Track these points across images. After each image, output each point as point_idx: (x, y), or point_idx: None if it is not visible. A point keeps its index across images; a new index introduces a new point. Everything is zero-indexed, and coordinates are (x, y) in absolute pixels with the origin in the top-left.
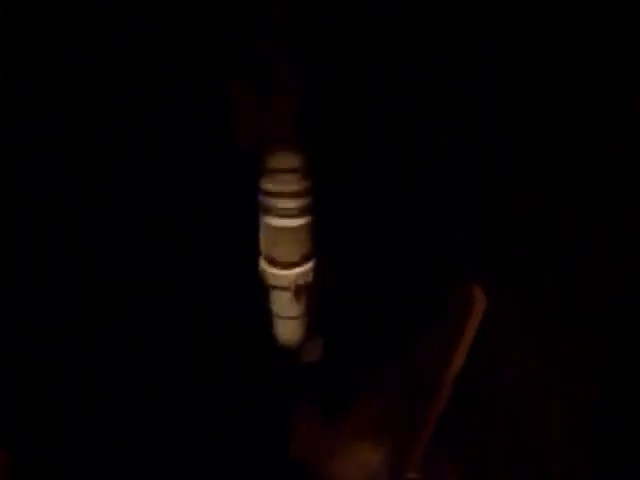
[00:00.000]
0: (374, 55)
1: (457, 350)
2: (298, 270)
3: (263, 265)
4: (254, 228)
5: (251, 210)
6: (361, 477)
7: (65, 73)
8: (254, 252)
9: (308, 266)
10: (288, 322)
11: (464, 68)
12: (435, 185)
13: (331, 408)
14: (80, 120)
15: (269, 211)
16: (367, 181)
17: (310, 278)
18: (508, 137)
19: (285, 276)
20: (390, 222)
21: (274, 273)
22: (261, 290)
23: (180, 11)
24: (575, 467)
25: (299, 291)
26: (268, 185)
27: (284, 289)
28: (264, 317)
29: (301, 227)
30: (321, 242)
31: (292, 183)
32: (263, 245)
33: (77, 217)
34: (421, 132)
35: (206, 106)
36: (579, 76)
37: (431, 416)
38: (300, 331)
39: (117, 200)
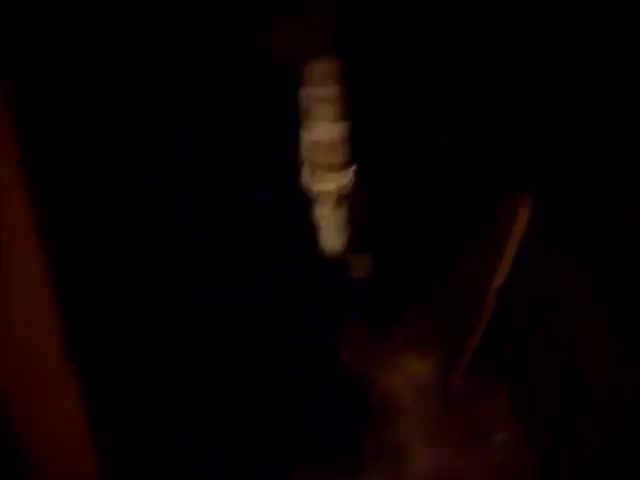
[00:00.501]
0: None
1: (502, 259)
2: (339, 178)
3: (305, 175)
4: None
5: None
6: (409, 387)
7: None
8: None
9: (348, 175)
10: (331, 232)
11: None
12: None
13: (380, 321)
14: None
15: (309, 118)
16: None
17: (351, 187)
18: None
19: (328, 190)
20: (435, 135)
21: (316, 182)
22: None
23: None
24: (613, 376)
25: (340, 200)
26: (309, 91)
27: (326, 198)
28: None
29: (340, 134)
30: (364, 155)
31: (331, 88)
32: (304, 154)
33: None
34: None
35: None
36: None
37: (477, 326)
38: (342, 239)
39: None
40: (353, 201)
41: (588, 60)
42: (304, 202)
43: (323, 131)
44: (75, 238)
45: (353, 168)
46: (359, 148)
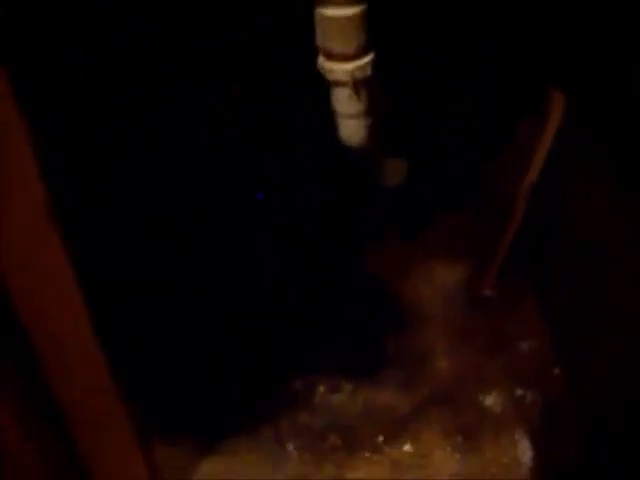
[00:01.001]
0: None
1: (533, 158)
2: (355, 63)
3: (321, 61)
4: None
5: None
6: (437, 295)
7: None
8: None
9: (366, 59)
10: (350, 121)
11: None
12: None
13: (411, 229)
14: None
15: (322, 1)
16: None
17: (369, 72)
18: None
19: (342, 69)
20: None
21: (332, 67)
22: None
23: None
24: None
25: (358, 86)
26: None
27: (343, 84)
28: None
29: (355, 16)
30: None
31: None
32: (319, 39)
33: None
34: None
35: None
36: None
37: (507, 230)
38: (363, 131)
39: None
40: (372, 90)
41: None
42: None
43: (335, 15)
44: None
45: (371, 54)
46: (380, 33)
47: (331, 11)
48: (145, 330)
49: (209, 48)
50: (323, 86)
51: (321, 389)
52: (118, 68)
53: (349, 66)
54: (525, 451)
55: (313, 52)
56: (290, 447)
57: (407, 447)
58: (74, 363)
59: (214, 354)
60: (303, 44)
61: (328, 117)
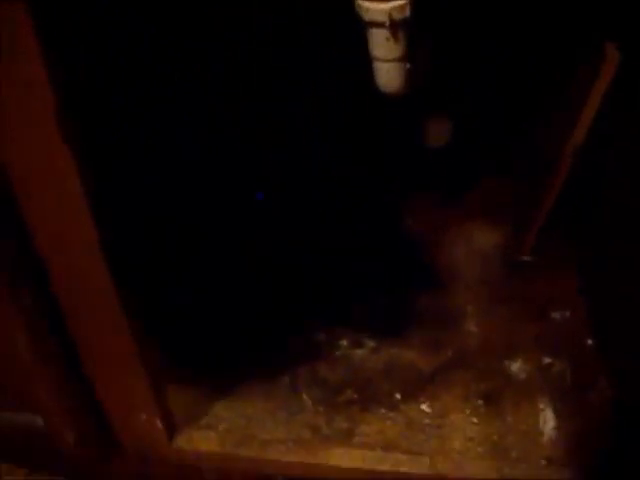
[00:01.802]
0: None
1: (581, 117)
2: (394, 2)
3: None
4: None
5: None
6: (473, 257)
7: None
8: None
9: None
10: (387, 65)
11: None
12: None
13: (452, 190)
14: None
15: None
16: None
17: (408, 13)
18: None
19: (379, 9)
20: None
21: (368, 6)
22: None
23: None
24: None
25: (397, 28)
26: None
27: (380, 25)
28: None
29: None
30: None
31: None
32: None
33: None
34: None
35: None
36: None
37: (548, 195)
38: (402, 76)
39: None
40: (412, 34)
41: None
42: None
43: None
44: None
45: None
46: None
47: None
48: (162, 266)
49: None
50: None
51: (344, 342)
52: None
53: (386, 6)
54: (547, 421)
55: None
56: (305, 397)
57: (424, 407)
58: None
59: (238, 295)
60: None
61: None
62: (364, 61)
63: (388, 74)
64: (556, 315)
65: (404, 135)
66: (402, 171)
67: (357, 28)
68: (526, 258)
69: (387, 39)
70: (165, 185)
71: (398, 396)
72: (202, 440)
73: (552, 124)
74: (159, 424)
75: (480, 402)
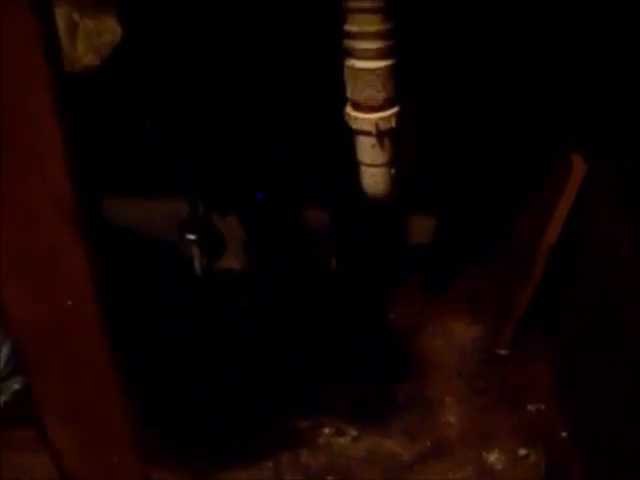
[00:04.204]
0: None
1: (554, 217)
2: (381, 114)
3: (348, 109)
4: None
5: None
6: (452, 350)
7: None
8: None
9: (392, 111)
10: (373, 170)
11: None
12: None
13: (433, 285)
14: None
15: (352, 53)
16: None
17: (393, 124)
18: None
19: (367, 119)
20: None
21: (357, 116)
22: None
23: None
24: None
25: (383, 136)
26: (351, 27)
27: (367, 134)
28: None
29: (383, 69)
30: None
31: (374, 24)
32: (348, 89)
33: None
34: None
35: None
36: None
37: (526, 289)
38: (386, 181)
39: None
40: (399, 141)
41: None
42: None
43: (362, 67)
44: None
45: (397, 107)
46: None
47: (359, 63)
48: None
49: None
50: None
51: (326, 430)
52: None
53: (374, 116)
54: None
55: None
56: None
57: None
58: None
59: (222, 381)
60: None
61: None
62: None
63: (373, 178)
64: (532, 407)
65: (387, 231)
66: (385, 266)
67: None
68: (503, 352)
69: (373, 146)
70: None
71: None
72: None
73: (528, 223)
74: None
75: None
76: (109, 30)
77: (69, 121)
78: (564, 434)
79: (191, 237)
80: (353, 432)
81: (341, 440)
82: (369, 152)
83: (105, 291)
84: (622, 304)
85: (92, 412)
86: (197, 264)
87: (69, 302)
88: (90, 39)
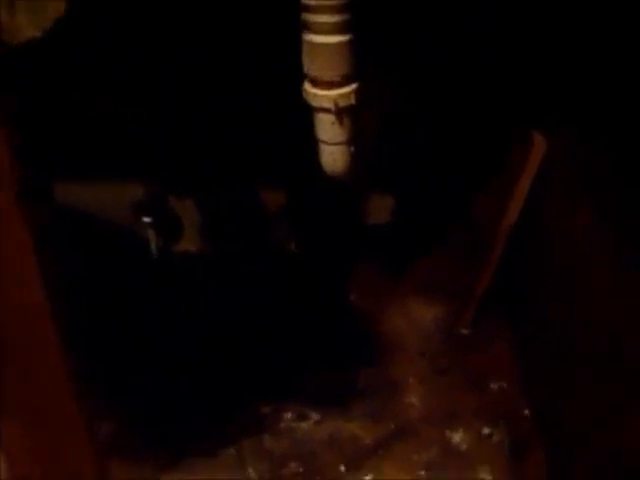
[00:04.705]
0: None
1: (515, 196)
2: (340, 90)
3: (306, 86)
4: None
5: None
6: (413, 331)
7: None
8: None
9: (350, 87)
10: (332, 148)
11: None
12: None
13: (393, 266)
14: None
15: (309, 27)
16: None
17: (353, 101)
18: None
19: (326, 96)
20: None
21: (315, 93)
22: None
23: None
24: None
25: (342, 114)
26: (309, 0)
27: (326, 111)
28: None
29: (341, 44)
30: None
31: None
32: (305, 64)
33: None
34: None
35: None
36: None
37: (486, 270)
38: (345, 159)
39: None
40: (358, 118)
41: None
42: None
43: (320, 42)
44: None
45: (356, 84)
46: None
47: (317, 38)
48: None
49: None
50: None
51: (288, 415)
52: None
53: (333, 93)
54: None
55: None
56: (250, 471)
57: (368, 478)
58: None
59: (182, 367)
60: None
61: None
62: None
63: (332, 156)
64: (494, 386)
65: (346, 211)
66: (344, 247)
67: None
68: (464, 331)
69: (332, 123)
70: None
71: (342, 468)
72: None
73: (488, 203)
74: None
75: (422, 473)
76: (52, 3)
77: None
78: (526, 412)
79: (147, 220)
80: (315, 416)
81: (303, 425)
82: (328, 130)
83: (55, 281)
84: (580, 283)
85: (46, 414)
86: (153, 247)
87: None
88: (31, 11)
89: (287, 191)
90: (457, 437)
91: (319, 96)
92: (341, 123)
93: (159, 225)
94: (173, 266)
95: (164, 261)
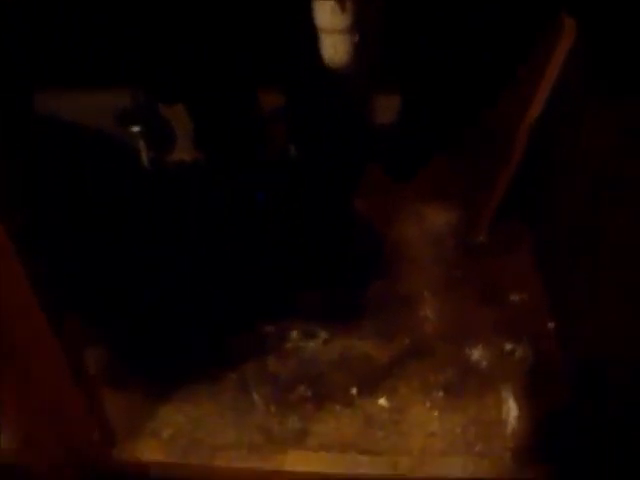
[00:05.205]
0: None
1: (539, 88)
2: None
3: None
4: None
5: None
6: (426, 238)
7: None
8: None
9: None
10: (333, 37)
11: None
12: None
13: (402, 170)
14: None
15: None
16: None
17: None
18: None
19: None
20: None
21: None
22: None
23: None
24: None
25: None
26: None
27: None
28: None
29: None
30: None
31: None
32: None
33: None
34: None
35: None
36: None
37: (506, 171)
38: (347, 49)
39: None
40: (360, 4)
41: None
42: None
43: None
44: None
45: None
46: None
47: None
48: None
49: None
50: None
51: (294, 335)
52: None
53: None
54: (510, 411)
55: None
56: (255, 396)
57: (382, 401)
58: None
59: (177, 288)
60: None
61: None
62: None
63: (333, 46)
64: (515, 298)
65: (349, 111)
66: (348, 151)
67: None
68: (481, 239)
69: (333, 10)
70: None
71: (354, 391)
72: (146, 449)
73: (507, 101)
74: (96, 435)
75: (440, 394)
76: None
77: None
78: (551, 325)
79: (136, 129)
80: (324, 335)
81: (311, 344)
82: (328, 17)
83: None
84: (610, 185)
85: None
86: (144, 157)
87: None
88: None
89: (285, 90)
90: (476, 354)
91: None
92: (343, 9)
93: (149, 134)
94: (166, 178)
95: (157, 173)
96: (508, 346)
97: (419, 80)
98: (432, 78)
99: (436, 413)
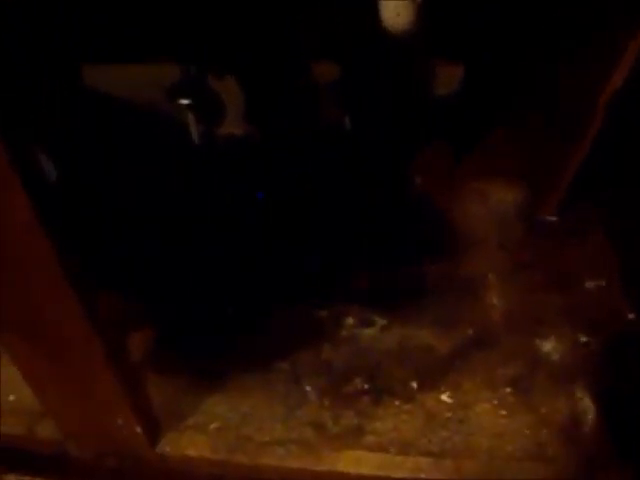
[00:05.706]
0: None
1: (622, 59)
2: None
3: None
4: None
5: None
6: (491, 217)
7: None
8: None
9: None
10: (397, 2)
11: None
12: None
13: (465, 145)
14: None
15: None
16: None
17: None
18: None
19: None
20: None
21: None
22: None
23: None
24: None
25: None
26: None
27: None
28: None
29: None
30: None
31: None
32: None
33: None
34: None
35: None
36: None
37: (579, 148)
38: (410, 14)
39: None
40: None
41: None
42: None
43: None
44: None
45: None
46: None
47: None
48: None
49: None
50: None
51: (350, 321)
52: None
53: None
54: (586, 410)
55: None
56: (308, 388)
57: (445, 397)
58: None
59: (229, 271)
60: None
61: None
62: None
63: (397, 11)
64: (590, 284)
65: (408, 80)
66: (407, 122)
67: None
68: (552, 218)
69: None
70: None
71: (414, 385)
72: (190, 444)
73: (583, 68)
74: (138, 429)
75: (508, 390)
76: None
77: None
78: (631, 316)
79: (185, 102)
80: (381, 321)
81: (368, 331)
82: None
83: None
84: None
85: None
86: (194, 131)
87: None
88: None
89: (339, 60)
90: (547, 346)
91: None
92: None
93: (199, 108)
94: (216, 152)
95: (206, 146)
96: (583, 338)
97: (482, 48)
98: (494, 45)
99: (503, 412)
